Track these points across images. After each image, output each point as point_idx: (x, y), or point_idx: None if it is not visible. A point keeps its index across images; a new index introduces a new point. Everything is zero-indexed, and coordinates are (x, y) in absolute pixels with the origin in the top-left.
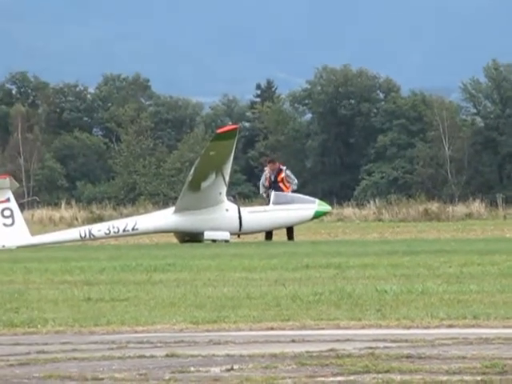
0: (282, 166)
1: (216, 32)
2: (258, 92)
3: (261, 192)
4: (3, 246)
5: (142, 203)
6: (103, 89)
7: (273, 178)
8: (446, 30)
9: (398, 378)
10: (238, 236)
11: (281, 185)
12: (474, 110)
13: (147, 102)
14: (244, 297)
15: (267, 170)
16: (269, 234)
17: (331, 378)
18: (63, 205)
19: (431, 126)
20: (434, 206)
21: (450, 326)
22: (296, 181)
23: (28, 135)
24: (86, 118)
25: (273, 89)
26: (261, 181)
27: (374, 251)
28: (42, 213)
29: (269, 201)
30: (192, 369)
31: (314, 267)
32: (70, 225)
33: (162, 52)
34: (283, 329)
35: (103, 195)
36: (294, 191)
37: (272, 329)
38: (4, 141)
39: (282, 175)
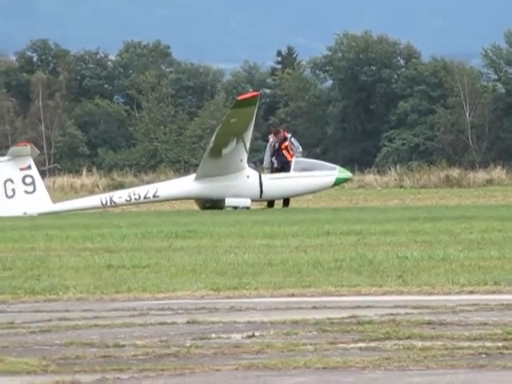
0: (287, 134)
1: None
2: (279, 59)
3: (264, 166)
4: (25, 213)
5: (163, 170)
6: (124, 56)
7: (277, 146)
8: None
9: (419, 344)
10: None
11: (284, 152)
12: (495, 76)
13: (168, 69)
14: (265, 263)
15: (272, 139)
16: (286, 201)
17: (352, 345)
18: (84, 172)
19: (452, 92)
20: (455, 173)
21: (471, 293)
22: (300, 149)
23: (49, 102)
24: (106, 85)
25: (293, 55)
26: (266, 153)
27: (395, 218)
28: (63, 180)
29: (271, 171)
30: (213, 335)
31: (335, 234)
32: (91, 192)
33: (182, 18)
34: (304, 295)
35: (124, 162)
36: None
37: (293, 295)
38: (25, 108)
39: (286, 143)
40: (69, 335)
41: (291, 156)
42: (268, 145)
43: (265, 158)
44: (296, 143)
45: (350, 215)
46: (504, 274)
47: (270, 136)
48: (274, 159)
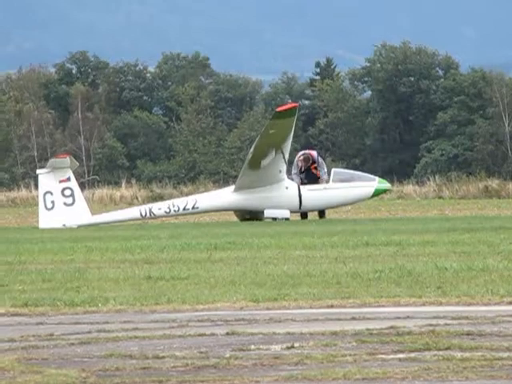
0: (314, 155)
1: (275, 8)
2: (318, 70)
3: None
4: (64, 225)
5: (202, 182)
6: (163, 68)
7: (305, 168)
8: (502, 4)
9: (459, 355)
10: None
11: (313, 170)
12: None
13: (207, 81)
14: (304, 274)
15: (300, 164)
16: (322, 213)
17: (391, 356)
18: (123, 184)
19: (491, 103)
20: (494, 183)
21: (511, 303)
22: (325, 170)
23: (88, 114)
24: (145, 97)
25: (332, 66)
26: (293, 169)
27: (434, 228)
28: (102, 192)
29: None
30: (252, 347)
31: (373, 245)
32: (131, 204)
33: (220, 28)
34: (343, 306)
35: (163, 174)
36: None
37: (332, 306)
38: (64, 120)
39: (315, 165)
40: (108, 347)
41: (318, 173)
42: (295, 165)
43: (292, 174)
44: (323, 164)
45: (389, 226)
46: None
47: (298, 161)
48: (302, 176)
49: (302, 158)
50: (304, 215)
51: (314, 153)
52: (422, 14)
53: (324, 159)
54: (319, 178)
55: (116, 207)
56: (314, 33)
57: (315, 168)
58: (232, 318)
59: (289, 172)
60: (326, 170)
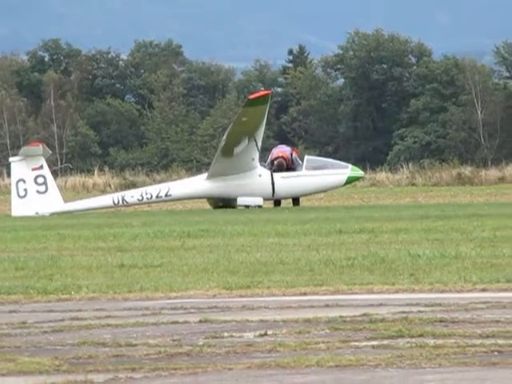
0: (287, 158)
1: None
2: (290, 57)
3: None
4: (37, 213)
5: (175, 169)
6: (136, 55)
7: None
8: None
9: (432, 342)
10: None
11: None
12: (507, 74)
13: (179, 69)
14: (277, 262)
15: (274, 167)
16: (296, 200)
17: (364, 343)
18: (96, 171)
19: (464, 90)
20: (467, 170)
21: (484, 290)
22: (299, 163)
23: (61, 102)
24: (118, 85)
25: (305, 54)
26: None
27: (407, 216)
28: (75, 180)
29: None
30: (225, 334)
31: (346, 232)
32: (103, 191)
33: (193, 15)
34: (316, 294)
35: (136, 162)
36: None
37: (305, 294)
38: (37, 108)
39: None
40: (81, 335)
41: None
42: (268, 162)
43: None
44: (298, 163)
45: (362, 213)
46: None
47: (272, 160)
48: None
49: (276, 163)
50: (277, 202)
51: (287, 152)
52: (396, 1)
53: (296, 146)
54: (295, 170)
55: (89, 195)
56: (287, 20)
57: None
58: (205, 305)
59: (262, 160)
60: (300, 163)
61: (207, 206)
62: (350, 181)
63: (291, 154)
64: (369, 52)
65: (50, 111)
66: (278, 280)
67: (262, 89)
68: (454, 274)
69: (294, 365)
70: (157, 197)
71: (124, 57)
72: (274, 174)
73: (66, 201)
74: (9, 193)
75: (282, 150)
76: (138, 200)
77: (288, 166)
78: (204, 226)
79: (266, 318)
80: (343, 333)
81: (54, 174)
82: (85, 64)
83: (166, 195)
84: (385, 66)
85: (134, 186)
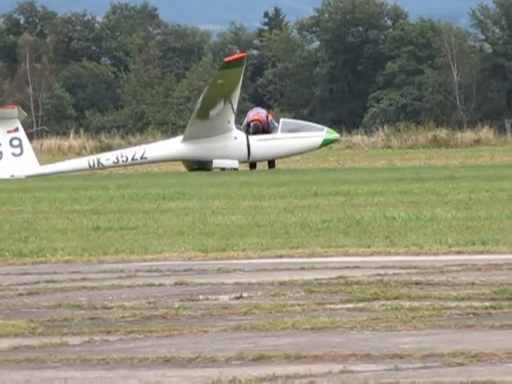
0: (263, 121)
1: None
2: (266, 20)
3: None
4: (12, 176)
5: (151, 132)
6: (111, 18)
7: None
8: None
9: (407, 304)
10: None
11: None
12: (483, 36)
13: (155, 31)
14: (253, 225)
15: (250, 129)
16: (271, 163)
17: (340, 305)
18: (72, 134)
19: (439, 53)
20: (442, 133)
21: (459, 253)
22: (275, 125)
23: (36, 65)
24: (94, 47)
25: (280, 17)
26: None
27: (382, 178)
28: (50, 142)
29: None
30: (201, 297)
31: (322, 195)
32: (79, 154)
33: None
34: (292, 256)
35: (112, 124)
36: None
37: (281, 256)
38: (12, 71)
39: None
40: (56, 297)
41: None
42: (244, 125)
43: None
44: (273, 125)
45: (338, 176)
46: (491, 233)
47: (248, 123)
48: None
49: (252, 125)
50: (253, 165)
51: (263, 114)
52: None
53: (272, 109)
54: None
55: (64, 157)
56: None
57: (265, 130)
58: (180, 268)
59: (237, 122)
60: (276, 125)
61: (183, 168)
62: (326, 143)
63: (267, 117)
64: (344, 14)
65: (26, 74)
66: (253, 243)
67: (238, 51)
68: (429, 236)
69: (269, 327)
70: (132, 159)
71: (99, 19)
72: (250, 137)
73: (41, 163)
74: None
75: (257, 113)
76: (114, 162)
77: (264, 128)
78: (179, 189)
79: (241, 281)
80: (318, 295)
81: (30, 136)
82: (60, 26)
83: (142, 158)
84: (360, 29)
85: (109, 148)
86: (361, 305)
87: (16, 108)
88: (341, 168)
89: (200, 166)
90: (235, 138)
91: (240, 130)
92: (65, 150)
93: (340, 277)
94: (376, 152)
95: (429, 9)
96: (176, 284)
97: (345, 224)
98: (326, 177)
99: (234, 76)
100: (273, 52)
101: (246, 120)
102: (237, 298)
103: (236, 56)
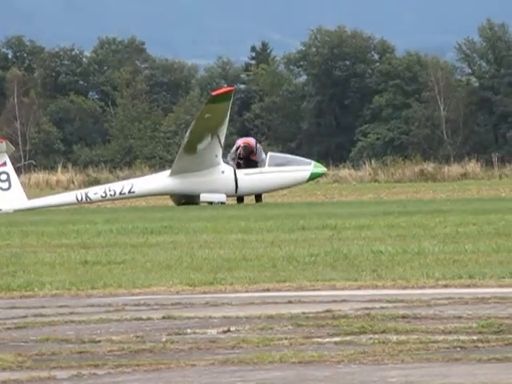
0: (252, 145)
1: None
2: (253, 54)
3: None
4: (0, 210)
5: (139, 166)
6: (99, 52)
7: (242, 156)
8: None
9: (394, 338)
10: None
11: (252, 157)
12: (469, 70)
13: (143, 65)
14: (240, 258)
15: (239, 151)
16: (258, 197)
17: (327, 339)
18: (60, 168)
19: (426, 87)
20: (429, 167)
21: (446, 286)
22: (263, 156)
23: (24, 99)
24: (81, 82)
25: (268, 51)
26: (231, 155)
27: (369, 212)
28: (38, 176)
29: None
30: (189, 331)
31: (309, 229)
32: (67, 188)
33: (156, 12)
34: (279, 290)
35: (99, 158)
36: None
37: (268, 290)
38: (0, 105)
39: (255, 155)
40: (44, 331)
41: (257, 159)
42: (233, 150)
43: (228, 158)
44: (261, 150)
45: (325, 210)
46: (478, 267)
47: (237, 147)
48: (241, 162)
49: (242, 146)
50: (240, 199)
51: (253, 141)
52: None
53: (260, 143)
54: (258, 163)
55: (52, 192)
56: (250, 17)
57: (254, 155)
58: (168, 302)
59: (225, 156)
60: (264, 156)
61: (170, 202)
62: (313, 177)
63: (256, 144)
64: (331, 49)
65: (14, 108)
66: (241, 276)
67: (225, 85)
68: (416, 270)
69: (256, 361)
70: (120, 193)
71: (87, 54)
72: (237, 171)
73: (29, 197)
74: None
75: (247, 139)
76: (102, 197)
77: (253, 151)
78: (167, 223)
79: (228, 315)
80: (306, 329)
81: (18, 170)
82: (48, 61)
83: (130, 192)
84: (347, 63)
85: (97, 182)
86: (348, 338)
87: (4, 142)
88: (328, 202)
89: (187, 200)
90: (222, 172)
91: (227, 163)
92: (53, 185)
93: (327, 310)
94: (363, 186)
95: (415, 43)
96: (164, 318)
97: (332, 258)
98: (313, 211)
99: (221, 110)
100: (260, 86)
101: (234, 147)
102: (224, 332)
103: (223, 90)
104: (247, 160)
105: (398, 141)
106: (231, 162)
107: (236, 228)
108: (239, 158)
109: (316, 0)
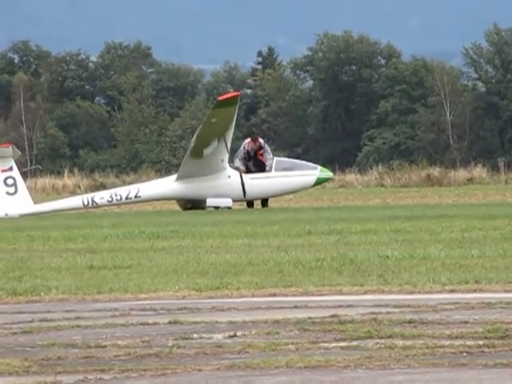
0: (261, 142)
1: None
2: (260, 59)
3: (236, 165)
4: (6, 215)
5: (145, 171)
6: (105, 57)
7: (252, 154)
8: None
9: (401, 343)
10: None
11: (260, 157)
12: (476, 75)
13: (149, 70)
14: (246, 263)
15: (247, 146)
16: (264, 201)
17: (334, 344)
18: (66, 173)
19: (432, 92)
20: (435, 171)
21: (452, 291)
22: (271, 156)
23: (30, 104)
24: (88, 87)
25: (274, 56)
26: (238, 155)
27: (375, 217)
28: (44, 181)
29: (245, 172)
30: (195, 335)
31: (316, 233)
32: (73, 193)
33: (162, 17)
34: (286, 295)
35: (106, 163)
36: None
37: (274, 295)
38: (7, 109)
39: (262, 151)
40: (51, 336)
41: (265, 160)
42: (241, 150)
43: (236, 161)
44: (269, 150)
45: (331, 215)
46: (485, 272)
47: (246, 142)
48: (250, 164)
49: (250, 140)
50: (250, 204)
51: (261, 139)
52: (365, 3)
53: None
54: (265, 164)
55: (58, 196)
56: (257, 22)
57: (261, 155)
58: (174, 306)
59: (231, 161)
60: (271, 155)
61: (177, 207)
62: (320, 182)
63: (264, 142)
64: (338, 53)
65: (20, 113)
66: (247, 281)
67: (231, 90)
68: (422, 274)
69: (263, 366)
70: (126, 198)
71: (94, 58)
72: (244, 176)
73: (35, 202)
74: None
75: (254, 137)
76: (108, 201)
77: (261, 147)
78: (173, 228)
79: (235, 320)
80: (312, 334)
81: (24, 175)
82: (54, 66)
83: (136, 196)
84: (354, 68)
85: (103, 187)
86: (354, 343)
87: (10, 147)
88: (334, 206)
89: (194, 204)
90: (229, 177)
91: (234, 168)
92: (59, 189)
93: (333, 315)
94: (369, 190)
95: (422, 48)
96: (170, 323)
97: (338, 263)
98: (319, 215)
99: (227, 115)
100: (266, 91)
101: (241, 146)
102: (231, 337)
103: (229, 95)
104: (255, 159)
105: (404, 145)
106: (239, 162)
107: (242, 233)
108: (248, 155)
109: (322, 5)
